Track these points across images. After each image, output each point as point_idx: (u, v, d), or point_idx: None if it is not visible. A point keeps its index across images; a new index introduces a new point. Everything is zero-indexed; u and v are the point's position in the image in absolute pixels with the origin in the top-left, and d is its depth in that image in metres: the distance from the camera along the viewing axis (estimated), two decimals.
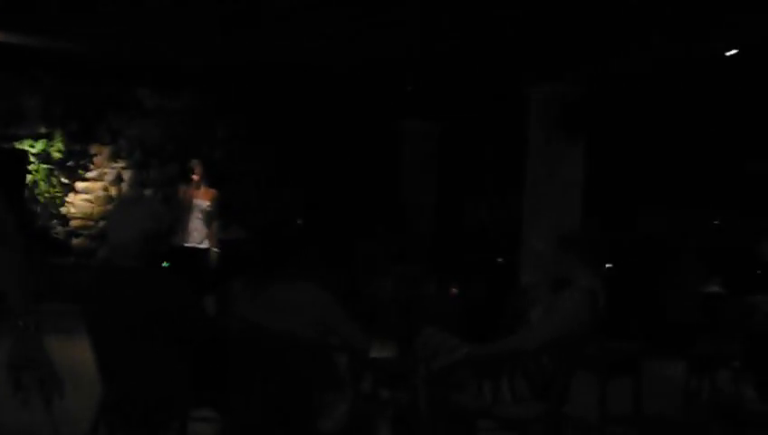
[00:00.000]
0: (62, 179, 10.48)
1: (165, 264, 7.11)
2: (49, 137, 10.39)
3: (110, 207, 10.40)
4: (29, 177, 9.95)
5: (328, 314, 3.35)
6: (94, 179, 10.69)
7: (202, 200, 7.99)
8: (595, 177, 8.67)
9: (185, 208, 7.93)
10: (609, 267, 7.53)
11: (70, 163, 10.53)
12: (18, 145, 10.14)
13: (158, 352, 3.23)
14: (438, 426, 3.70)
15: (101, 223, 10.30)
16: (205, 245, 8.00)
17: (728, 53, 7.29)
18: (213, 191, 8.14)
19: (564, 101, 8.29)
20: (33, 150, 10.21)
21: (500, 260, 9.96)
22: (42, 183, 10.29)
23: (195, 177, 7.98)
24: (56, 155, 10.41)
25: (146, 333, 3.33)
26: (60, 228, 10.47)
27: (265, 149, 11.21)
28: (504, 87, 8.98)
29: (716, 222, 10.61)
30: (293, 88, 10.45)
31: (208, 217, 8.01)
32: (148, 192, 10.65)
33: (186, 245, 7.91)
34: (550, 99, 8.38)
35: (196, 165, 8.09)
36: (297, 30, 8.03)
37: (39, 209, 10.29)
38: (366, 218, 10.20)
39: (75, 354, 2.92)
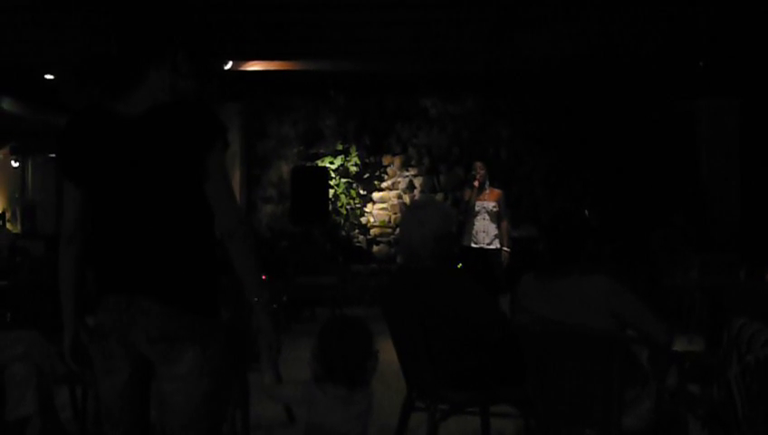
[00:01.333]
0: (360, 191, 11.17)
1: (458, 265, 7.26)
2: (345, 152, 11.15)
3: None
4: (331, 191, 10.70)
5: (622, 306, 3.19)
6: (389, 189, 11.26)
7: (487, 201, 8.03)
8: None
9: (470, 210, 8.03)
10: None
11: (366, 175, 11.20)
12: (320, 163, 11.01)
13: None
14: (759, 427, 3.38)
15: (398, 230, 10.82)
16: (494, 246, 8.03)
17: None
18: (498, 192, 8.16)
19: None
20: (333, 166, 11.00)
21: None
22: (342, 196, 11.05)
23: (476, 181, 8.04)
24: (353, 169, 11.12)
25: (438, 332, 3.42)
26: (361, 237, 11.17)
27: (551, 143, 11.07)
28: None
29: None
30: (577, 77, 10.19)
31: (496, 218, 8.03)
32: (439, 197, 10.99)
33: (473, 246, 8.00)
34: None
35: (479, 167, 8.15)
36: (575, 21, 7.80)
37: (342, 221, 11.06)
38: (662, 206, 9.67)
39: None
